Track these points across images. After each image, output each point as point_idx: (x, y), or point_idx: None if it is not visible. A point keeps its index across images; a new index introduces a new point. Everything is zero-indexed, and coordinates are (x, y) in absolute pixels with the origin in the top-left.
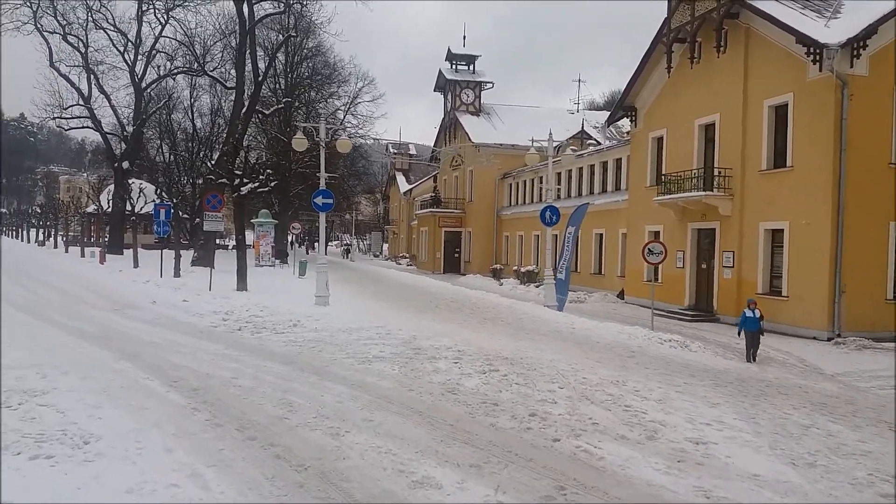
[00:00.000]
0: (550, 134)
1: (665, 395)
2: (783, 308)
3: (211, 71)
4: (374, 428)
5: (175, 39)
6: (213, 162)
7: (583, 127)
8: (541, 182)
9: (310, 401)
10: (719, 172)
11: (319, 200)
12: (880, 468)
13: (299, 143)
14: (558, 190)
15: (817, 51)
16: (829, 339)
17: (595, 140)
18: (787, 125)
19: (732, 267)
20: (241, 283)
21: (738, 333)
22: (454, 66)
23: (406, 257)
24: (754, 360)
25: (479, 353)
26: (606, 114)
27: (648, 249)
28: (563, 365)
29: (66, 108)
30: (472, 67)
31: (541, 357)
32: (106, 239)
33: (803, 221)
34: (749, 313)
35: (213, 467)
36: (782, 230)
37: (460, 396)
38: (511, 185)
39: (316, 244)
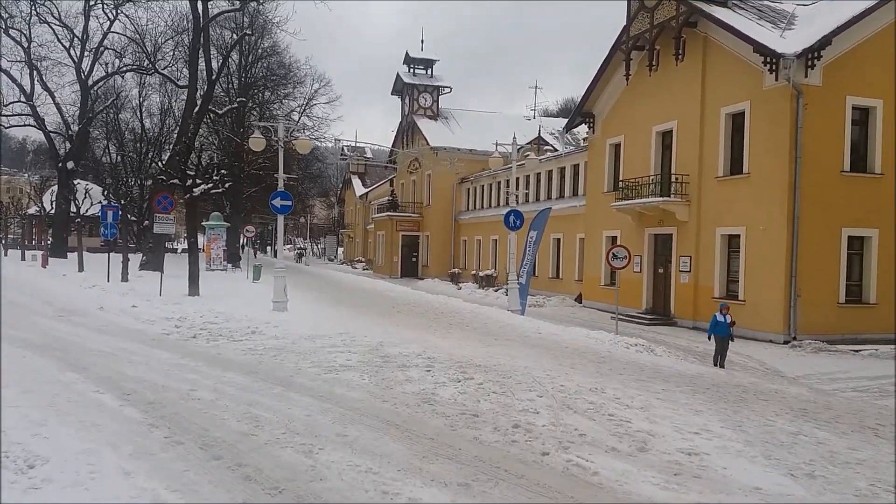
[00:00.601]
0: (515, 138)
1: (647, 403)
2: (740, 312)
3: (162, 69)
4: (349, 444)
5: (125, 36)
6: (163, 162)
7: (539, 133)
8: (499, 187)
9: (277, 414)
10: (676, 179)
11: (278, 202)
12: (880, 478)
13: (257, 142)
14: (517, 195)
15: (774, 60)
16: (785, 343)
17: (551, 146)
18: (744, 133)
19: (689, 271)
20: (193, 287)
21: (709, 338)
22: (412, 70)
23: (362, 261)
24: (722, 365)
25: (450, 361)
26: (562, 121)
27: (613, 254)
28: (537, 372)
29: (6, 105)
30: (430, 71)
31: (514, 364)
32: (49, 242)
33: (760, 227)
34: (720, 318)
35: (176, 492)
36: (739, 235)
37: (437, 407)
38: (469, 189)
39: (268, 247)
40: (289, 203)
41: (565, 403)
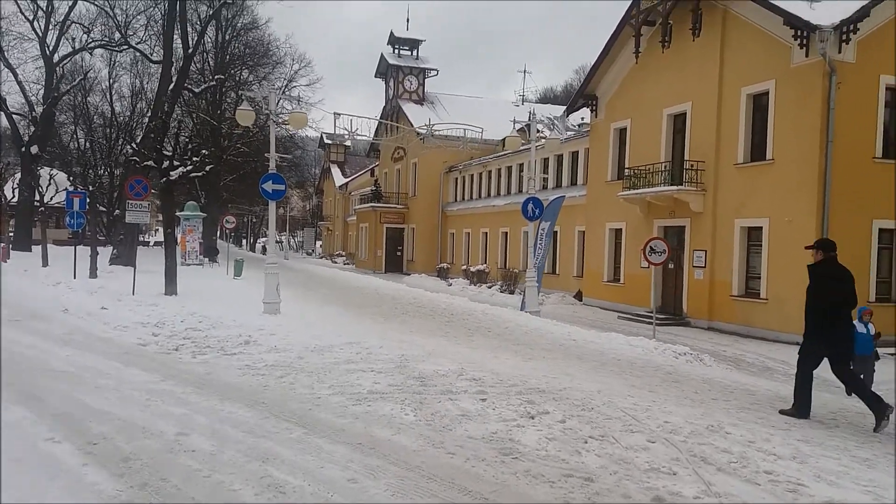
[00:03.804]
0: (532, 114)
1: (795, 450)
2: (761, 311)
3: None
4: None
5: (94, 3)
6: (136, 145)
7: (530, 118)
8: (490, 176)
9: (307, 479)
10: (691, 166)
11: (269, 186)
12: None
13: (245, 115)
14: (544, 178)
15: (805, 33)
16: None
17: (542, 134)
18: (768, 115)
19: (704, 267)
20: (171, 285)
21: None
22: (397, 51)
23: (342, 255)
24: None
25: (501, 383)
26: (549, 107)
27: (650, 248)
28: (619, 400)
29: None
30: (415, 53)
31: (582, 388)
32: (11, 233)
33: (786, 219)
34: (861, 328)
35: None
36: (761, 228)
37: (527, 464)
38: (457, 178)
39: (243, 240)
40: (282, 187)
41: (694, 454)
